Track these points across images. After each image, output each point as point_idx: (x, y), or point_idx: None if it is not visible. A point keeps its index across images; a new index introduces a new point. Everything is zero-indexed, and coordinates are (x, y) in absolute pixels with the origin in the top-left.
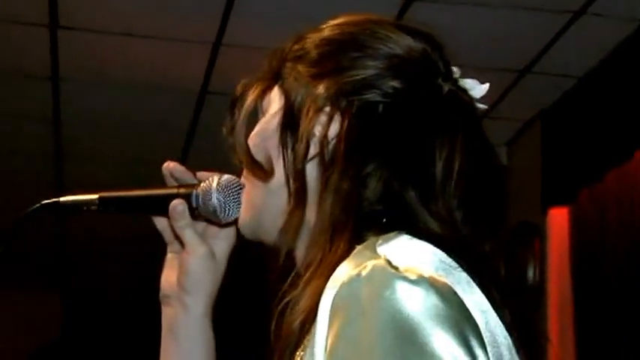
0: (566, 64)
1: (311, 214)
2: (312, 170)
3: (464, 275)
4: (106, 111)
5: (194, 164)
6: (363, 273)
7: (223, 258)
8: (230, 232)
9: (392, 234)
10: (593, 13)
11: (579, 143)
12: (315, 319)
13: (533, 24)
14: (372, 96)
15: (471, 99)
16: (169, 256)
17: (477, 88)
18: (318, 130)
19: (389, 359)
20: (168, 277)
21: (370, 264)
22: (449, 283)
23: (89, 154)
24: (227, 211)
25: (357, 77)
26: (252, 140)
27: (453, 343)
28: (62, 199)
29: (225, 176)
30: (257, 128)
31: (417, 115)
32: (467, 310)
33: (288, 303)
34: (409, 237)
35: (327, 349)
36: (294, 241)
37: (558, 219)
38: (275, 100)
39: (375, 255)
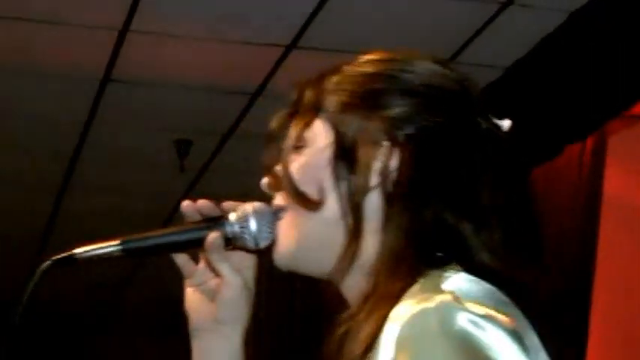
0: (491, 56)
1: (365, 244)
2: (369, 202)
3: (517, 311)
4: None
5: (88, 155)
6: (431, 306)
7: (252, 286)
8: (254, 260)
9: (450, 270)
10: (521, 4)
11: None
12: (375, 349)
13: (459, 13)
14: (422, 130)
15: (505, 134)
16: (190, 290)
17: (503, 124)
18: (377, 164)
19: None
20: (198, 310)
21: (437, 298)
22: (510, 319)
23: None
24: (262, 238)
25: (406, 112)
26: (299, 171)
27: None
28: (78, 252)
29: (257, 203)
30: (303, 159)
31: (462, 149)
32: (525, 344)
33: (345, 332)
34: (465, 273)
35: None
36: (348, 271)
37: None
38: (320, 133)
39: (440, 290)
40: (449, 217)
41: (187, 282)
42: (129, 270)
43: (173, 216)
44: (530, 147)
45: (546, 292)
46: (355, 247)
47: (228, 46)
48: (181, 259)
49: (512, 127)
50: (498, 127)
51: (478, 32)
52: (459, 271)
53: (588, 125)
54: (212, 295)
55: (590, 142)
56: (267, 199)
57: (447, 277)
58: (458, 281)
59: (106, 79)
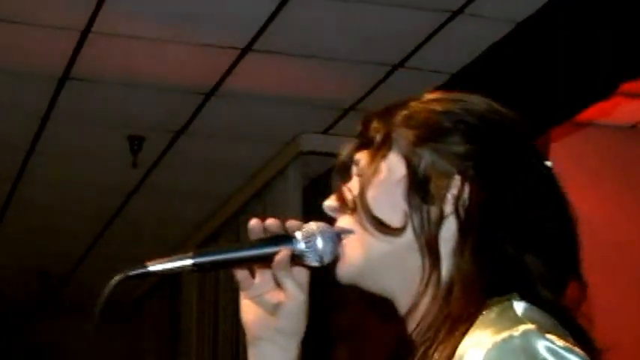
0: (439, 61)
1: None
2: (442, 230)
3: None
4: None
5: (43, 148)
6: (516, 334)
7: (308, 301)
8: (308, 276)
9: (514, 299)
10: (470, 14)
11: None
12: None
13: (410, 21)
14: (487, 165)
15: (551, 171)
16: (246, 302)
17: (549, 164)
18: (449, 195)
19: None
20: (255, 320)
21: (522, 327)
22: (581, 350)
23: None
24: (326, 256)
25: (472, 148)
26: (376, 200)
27: None
28: (151, 266)
29: (321, 223)
30: (379, 189)
31: (521, 184)
32: None
33: (424, 353)
34: (525, 302)
35: None
36: (423, 295)
37: None
38: (394, 164)
39: (522, 320)
40: (513, 248)
41: (243, 294)
42: (73, 262)
43: (123, 210)
44: None
45: None
46: (436, 273)
47: (185, 47)
48: (242, 273)
49: None
50: (548, 167)
51: (427, 39)
52: (520, 300)
53: (532, 131)
54: (269, 307)
55: None
56: (210, 195)
57: (518, 307)
58: (529, 311)
59: (65, 77)
